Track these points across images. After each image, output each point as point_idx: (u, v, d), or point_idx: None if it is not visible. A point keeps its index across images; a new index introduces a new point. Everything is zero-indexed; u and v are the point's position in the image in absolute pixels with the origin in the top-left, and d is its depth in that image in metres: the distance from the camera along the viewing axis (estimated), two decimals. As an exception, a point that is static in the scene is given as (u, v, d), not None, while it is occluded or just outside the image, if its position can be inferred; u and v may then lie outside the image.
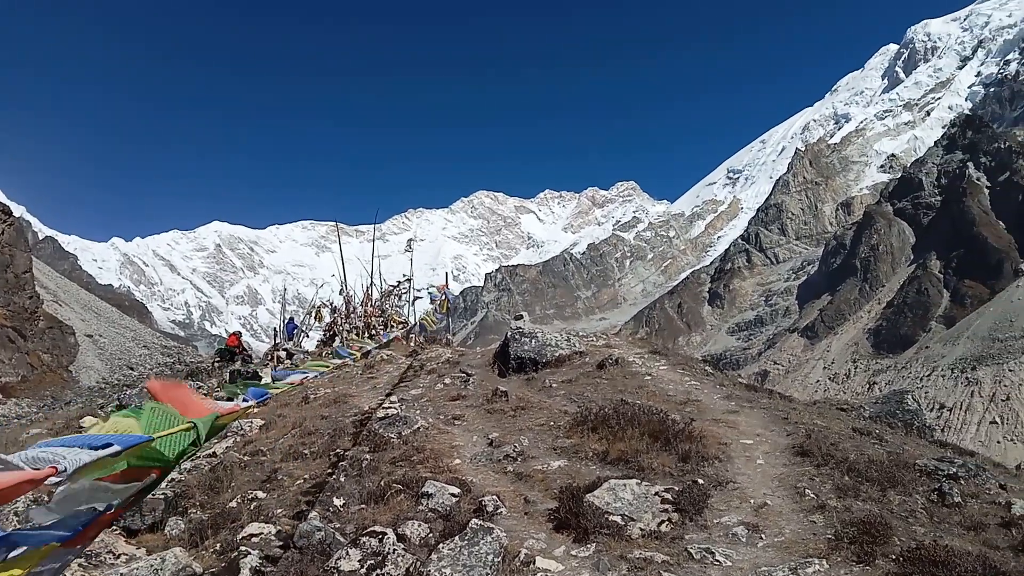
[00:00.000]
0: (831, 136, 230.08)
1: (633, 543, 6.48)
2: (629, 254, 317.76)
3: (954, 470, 7.71)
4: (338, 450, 9.90)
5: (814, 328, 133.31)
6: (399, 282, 28.98)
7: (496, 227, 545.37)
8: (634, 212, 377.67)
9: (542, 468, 8.52)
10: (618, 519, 6.79)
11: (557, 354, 14.81)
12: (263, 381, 8.17)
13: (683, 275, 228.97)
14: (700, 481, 7.59)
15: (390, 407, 11.65)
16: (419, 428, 10.18)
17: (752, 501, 7.20)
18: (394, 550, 6.30)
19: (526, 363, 14.68)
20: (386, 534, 6.56)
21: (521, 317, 16.03)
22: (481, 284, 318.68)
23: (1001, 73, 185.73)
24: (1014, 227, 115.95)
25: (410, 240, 49.87)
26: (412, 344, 22.10)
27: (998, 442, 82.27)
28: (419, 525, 6.86)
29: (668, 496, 7.09)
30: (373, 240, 35.98)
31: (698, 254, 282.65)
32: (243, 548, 6.94)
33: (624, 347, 16.28)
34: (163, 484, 6.75)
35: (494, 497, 7.46)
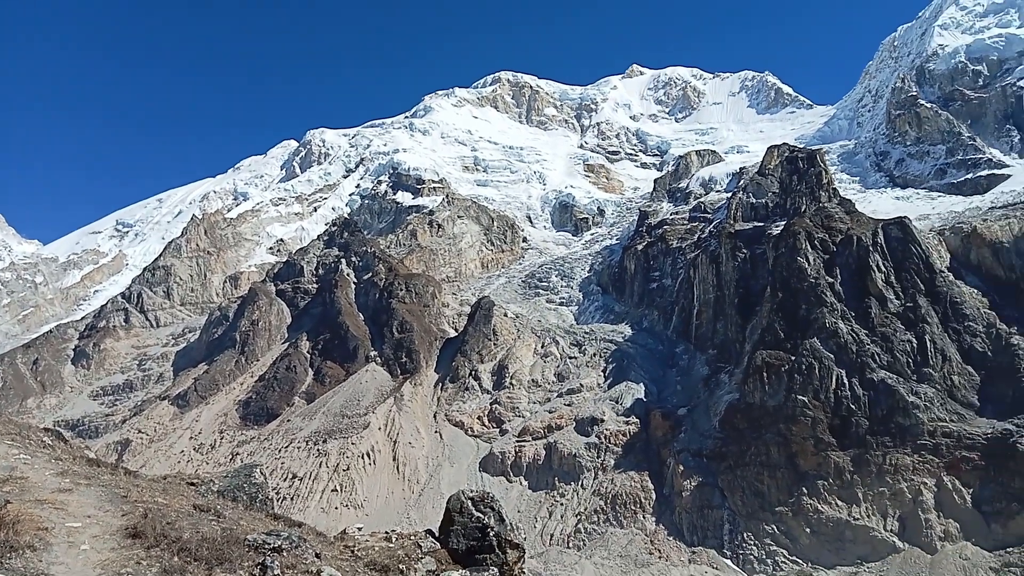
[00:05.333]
0: (228, 210, 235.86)
1: None
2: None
3: (279, 543, 8.32)
4: None
5: (186, 397, 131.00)
6: None
7: None
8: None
9: None
10: None
11: None
12: None
13: (46, 328, 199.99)
14: (2, 577, 6.52)
15: None
16: None
17: (65, 595, 6.49)
18: None
19: None
20: None
21: None
22: None
23: (374, 190, 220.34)
24: (370, 320, 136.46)
25: None
26: None
27: (336, 508, 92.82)
28: None
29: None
30: None
31: (68, 306, 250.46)
32: None
33: (-64, 412, 13.22)
34: None
35: None
